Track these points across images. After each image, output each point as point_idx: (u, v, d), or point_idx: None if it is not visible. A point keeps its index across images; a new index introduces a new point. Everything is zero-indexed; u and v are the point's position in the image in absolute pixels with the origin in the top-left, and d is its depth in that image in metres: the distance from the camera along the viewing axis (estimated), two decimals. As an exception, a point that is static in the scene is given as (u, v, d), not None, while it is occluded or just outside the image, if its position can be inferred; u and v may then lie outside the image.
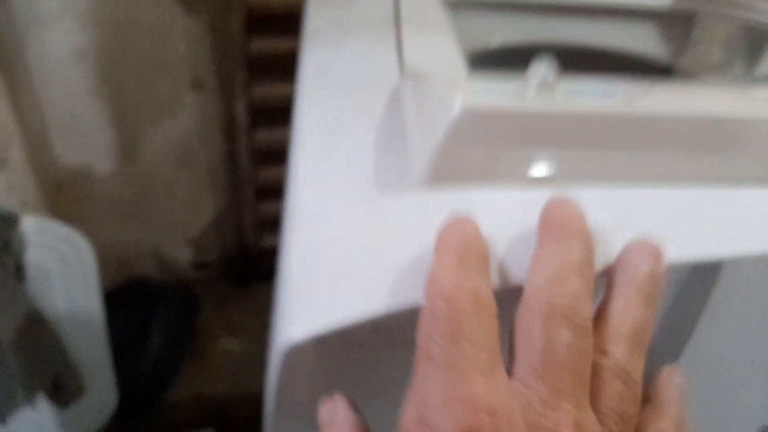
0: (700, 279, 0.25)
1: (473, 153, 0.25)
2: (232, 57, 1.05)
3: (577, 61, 0.66)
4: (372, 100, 0.33)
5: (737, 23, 0.65)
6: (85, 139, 1.10)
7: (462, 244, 0.21)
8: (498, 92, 0.31)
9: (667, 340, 0.27)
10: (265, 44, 1.07)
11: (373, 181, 0.26)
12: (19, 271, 0.92)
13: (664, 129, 0.24)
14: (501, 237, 0.23)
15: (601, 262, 0.21)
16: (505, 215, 0.24)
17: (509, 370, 0.21)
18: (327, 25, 0.45)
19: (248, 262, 1.36)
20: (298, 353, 0.22)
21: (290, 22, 1.07)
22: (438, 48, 0.40)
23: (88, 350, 0.94)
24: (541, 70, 0.26)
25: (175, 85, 1.09)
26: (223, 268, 1.38)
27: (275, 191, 1.29)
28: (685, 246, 0.22)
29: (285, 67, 1.11)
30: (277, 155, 1.23)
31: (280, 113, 1.17)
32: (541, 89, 0.27)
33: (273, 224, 1.33)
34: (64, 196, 1.17)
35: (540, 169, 0.24)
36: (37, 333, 0.85)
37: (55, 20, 0.96)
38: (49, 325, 0.96)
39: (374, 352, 0.29)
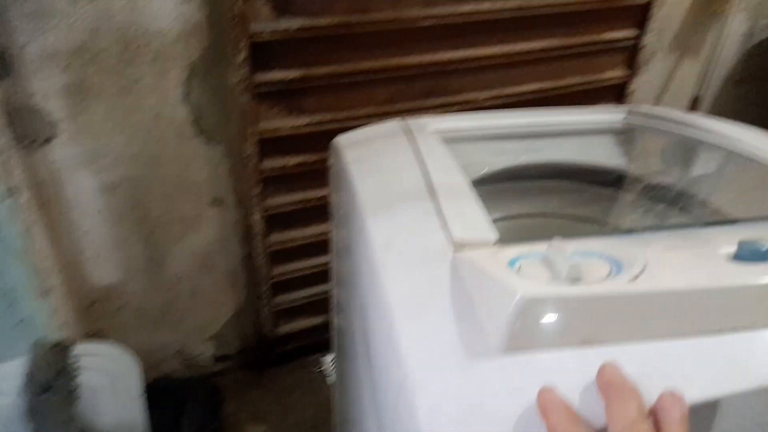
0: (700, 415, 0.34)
1: (531, 326, 0.36)
2: (247, 175, 1.16)
3: (558, 175, 0.78)
4: (437, 273, 0.44)
5: (671, 137, 0.79)
6: (117, 260, 1.18)
7: (560, 404, 0.31)
8: (532, 263, 0.42)
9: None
10: (275, 162, 1.19)
11: (462, 349, 0.37)
12: (71, 395, 0.97)
13: (679, 301, 0.34)
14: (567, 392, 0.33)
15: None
16: (565, 372, 0.34)
17: None
18: (374, 196, 0.56)
19: (265, 350, 1.43)
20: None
21: (295, 144, 1.19)
22: (470, 210, 0.51)
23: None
24: (564, 262, 0.38)
25: (197, 204, 1.19)
26: (242, 357, 1.45)
27: (288, 284, 1.38)
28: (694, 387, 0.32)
29: (292, 179, 1.23)
30: (288, 253, 1.33)
31: (289, 218, 1.29)
32: (569, 276, 0.38)
33: (287, 313, 1.42)
34: (96, 310, 1.23)
35: (583, 334, 0.35)
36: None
37: (90, 160, 1.05)
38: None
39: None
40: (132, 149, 1.08)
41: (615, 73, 1.37)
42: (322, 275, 1.38)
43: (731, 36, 1.49)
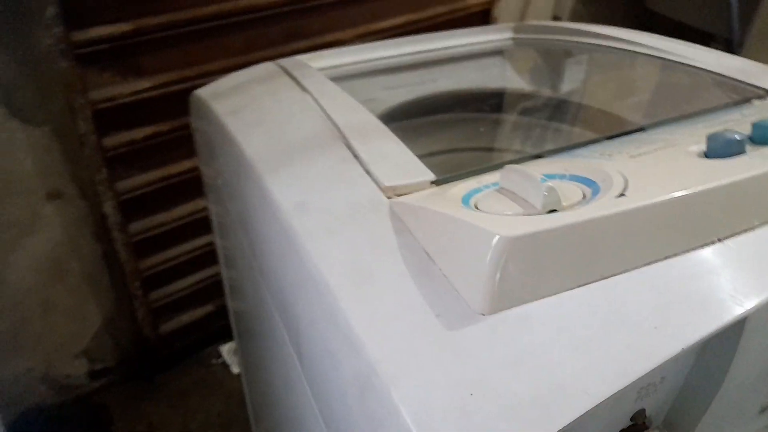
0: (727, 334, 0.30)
1: (518, 274, 0.28)
2: (86, 158, 0.96)
3: (459, 105, 0.71)
4: (374, 230, 0.34)
5: (553, 50, 0.75)
6: (-67, 287, 0.93)
7: None
8: (489, 197, 0.34)
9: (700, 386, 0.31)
10: (120, 138, 0.99)
11: (435, 321, 0.28)
12: None
13: (678, 210, 0.29)
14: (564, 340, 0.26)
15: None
16: (573, 322, 0.27)
17: None
18: (267, 151, 0.44)
19: (149, 354, 1.25)
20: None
21: (141, 112, 1.00)
22: (391, 149, 0.42)
23: None
24: (536, 188, 0.30)
25: (28, 202, 0.96)
26: (124, 369, 1.26)
27: (162, 277, 1.20)
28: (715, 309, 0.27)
29: (145, 155, 1.05)
30: (156, 242, 1.15)
31: (150, 202, 1.10)
32: (546, 204, 0.30)
33: (167, 309, 1.24)
34: None
35: (580, 272, 0.28)
36: None
37: None
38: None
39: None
40: None
41: (477, 0, 1.32)
42: (200, 260, 1.21)
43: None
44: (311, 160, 0.42)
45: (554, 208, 0.31)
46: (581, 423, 0.31)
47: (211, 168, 0.62)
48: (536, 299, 0.28)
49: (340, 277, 0.32)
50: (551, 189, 0.30)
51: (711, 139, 0.34)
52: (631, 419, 0.30)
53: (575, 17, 1.61)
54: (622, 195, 0.30)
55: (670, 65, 0.58)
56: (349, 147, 0.42)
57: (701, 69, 0.57)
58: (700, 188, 0.30)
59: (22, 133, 0.91)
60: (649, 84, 0.62)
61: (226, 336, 1.30)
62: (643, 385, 0.29)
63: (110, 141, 0.98)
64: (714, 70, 0.56)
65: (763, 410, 0.36)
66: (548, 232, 0.28)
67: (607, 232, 0.28)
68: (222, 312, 1.24)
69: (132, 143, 1.01)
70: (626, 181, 0.31)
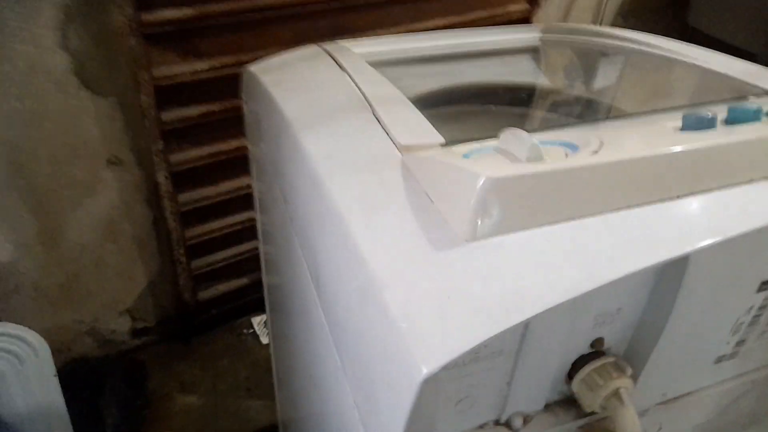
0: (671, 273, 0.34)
1: (498, 209, 0.33)
2: (146, 130, 1.05)
3: (482, 97, 0.76)
4: (386, 176, 0.40)
5: (576, 49, 0.80)
6: (6, 235, 1.04)
7: None
8: (487, 155, 0.40)
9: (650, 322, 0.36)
10: (177, 113, 1.08)
11: (427, 244, 0.34)
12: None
13: (639, 169, 0.33)
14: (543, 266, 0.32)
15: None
16: (540, 251, 0.32)
17: None
18: (304, 113, 0.50)
19: (187, 318, 1.34)
20: (432, 381, 0.28)
21: (197, 91, 1.09)
22: (410, 117, 0.48)
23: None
24: (522, 145, 0.35)
25: (91, 166, 1.06)
26: (163, 329, 1.35)
27: (204, 246, 1.29)
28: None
29: (198, 131, 1.14)
30: (202, 213, 1.24)
31: (199, 175, 1.19)
32: (529, 158, 0.36)
33: (207, 277, 1.33)
34: (-14, 296, 1.09)
35: (549, 213, 0.33)
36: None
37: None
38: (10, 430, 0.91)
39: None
40: (4, 107, 0.94)
41: (517, 7, 1.37)
42: (241, 234, 1.30)
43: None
44: (341, 122, 0.48)
45: (539, 160, 0.36)
46: (542, 334, 0.37)
47: (256, 142, 0.69)
48: (512, 232, 0.34)
49: (353, 209, 0.38)
50: (534, 145, 0.36)
51: (686, 116, 0.39)
52: (591, 345, 0.35)
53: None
54: (595, 153, 0.35)
55: (679, 65, 0.62)
56: (374, 113, 0.48)
57: (709, 70, 0.61)
58: (662, 151, 0.35)
59: (90, 102, 1.01)
60: (657, 82, 0.66)
61: (259, 309, 1.38)
62: (600, 312, 0.34)
63: (168, 116, 1.07)
64: (721, 71, 0.59)
65: (718, 360, 0.40)
66: (524, 176, 0.33)
67: (575, 181, 0.34)
68: (257, 285, 1.31)
69: (187, 119, 1.09)
70: (602, 144, 0.36)
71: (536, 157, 0.36)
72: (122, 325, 1.29)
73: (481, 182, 0.33)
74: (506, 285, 0.31)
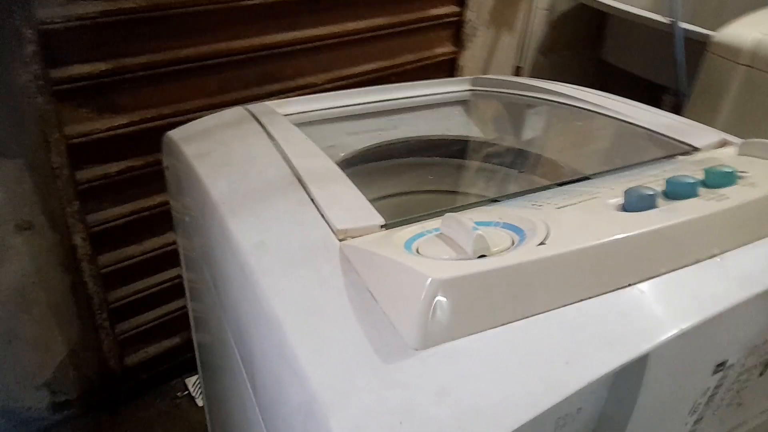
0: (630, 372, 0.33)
1: (449, 313, 0.31)
2: (59, 191, 0.97)
3: (415, 151, 0.75)
4: (324, 270, 0.37)
5: (504, 100, 0.81)
6: None
7: None
8: (430, 242, 0.38)
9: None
10: (93, 171, 1.01)
11: (374, 355, 0.30)
12: None
13: (592, 257, 0.32)
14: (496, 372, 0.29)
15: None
16: (495, 357, 0.30)
17: None
18: (231, 193, 0.47)
19: (113, 387, 1.24)
20: None
21: (117, 147, 1.02)
22: (345, 194, 0.45)
23: None
24: (467, 235, 0.33)
25: (-2, 233, 0.97)
26: (86, 401, 1.24)
27: (130, 308, 1.20)
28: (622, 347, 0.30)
29: (119, 188, 1.06)
30: (125, 274, 1.15)
31: (120, 234, 1.11)
32: (475, 250, 0.33)
33: (134, 340, 1.23)
34: None
35: (503, 312, 0.31)
36: None
37: None
38: None
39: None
40: None
41: (444, 49, 1.39)
42: (169, 292, 1.22)
43: (537, 10, 1.61)
44: (271, 203, 0.44)
45: (483, 254, 0.34)
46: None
47: (179, 204, 0.64)
48: (463, 336, 0.31)
49: (290, 312, 0.35)
50: (480, 236, 0.33)
51: (627, 193, 0.38)
52: (552, 447, 0.33)
53: (536, 67, 1.69)
54: (542, 243, 0.34)
55: (607, 121, 0.63)
56: (307, 191, 0.45)
57: (637, 125, 0.62)
58: (610, 239, 0.33)
59: (-5, 165, 0.92)
60: (587, 137, 0.67)
61: (192, 368, 1.29)
62: (561, 415, 0.32)
63: (84, 174, 1.00)
64: (649, 127, 0.61)
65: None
66: (474, 275, 0.31)
67: (526, 277, 0.32)
68: (188, 344, 1.23)
69: (105, 177, 1.02)
70: (548, 230, 0.35)
71: (482, 248, 0.34)
72: (40, 401, 1.17)
73: (428, 283, 0.31)
74: (463, 404, 0.28)
